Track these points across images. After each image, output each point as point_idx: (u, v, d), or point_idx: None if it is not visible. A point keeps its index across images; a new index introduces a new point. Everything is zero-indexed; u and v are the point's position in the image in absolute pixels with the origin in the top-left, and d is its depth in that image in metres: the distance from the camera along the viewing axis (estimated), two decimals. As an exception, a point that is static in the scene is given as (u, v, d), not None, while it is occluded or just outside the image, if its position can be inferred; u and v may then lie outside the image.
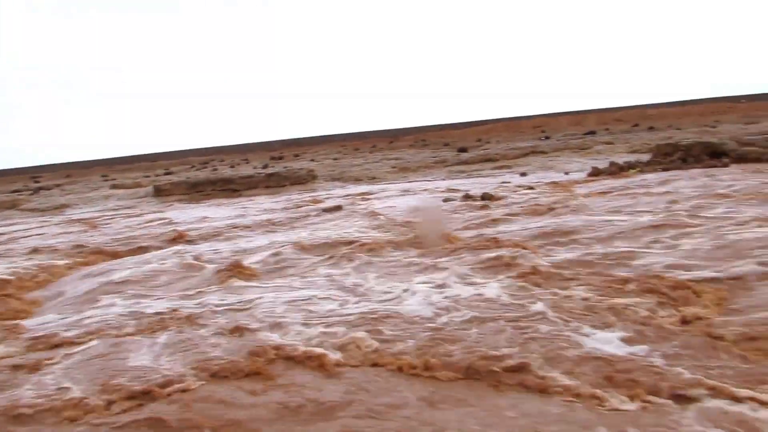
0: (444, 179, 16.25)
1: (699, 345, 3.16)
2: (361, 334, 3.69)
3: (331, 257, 6.21)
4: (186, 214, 12.46)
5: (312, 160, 29.09)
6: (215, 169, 29.04)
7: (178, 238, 8.90)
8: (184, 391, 3.12)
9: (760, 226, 5.54)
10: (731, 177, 9.40)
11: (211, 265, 6.43)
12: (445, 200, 10.59)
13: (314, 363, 3.37)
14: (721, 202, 7.09)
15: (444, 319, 3.88)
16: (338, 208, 10.77)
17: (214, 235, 8.92)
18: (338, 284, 5.11)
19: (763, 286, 3.98)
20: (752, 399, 2.54)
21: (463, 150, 24.47)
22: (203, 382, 3.23)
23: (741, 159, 12.26)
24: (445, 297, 4.37)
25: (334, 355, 3.45)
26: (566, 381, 2.87)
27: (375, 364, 3.32)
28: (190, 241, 8.64)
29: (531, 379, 2.93)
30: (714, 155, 12.64)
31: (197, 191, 18.31)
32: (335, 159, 29.16)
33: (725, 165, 11.83)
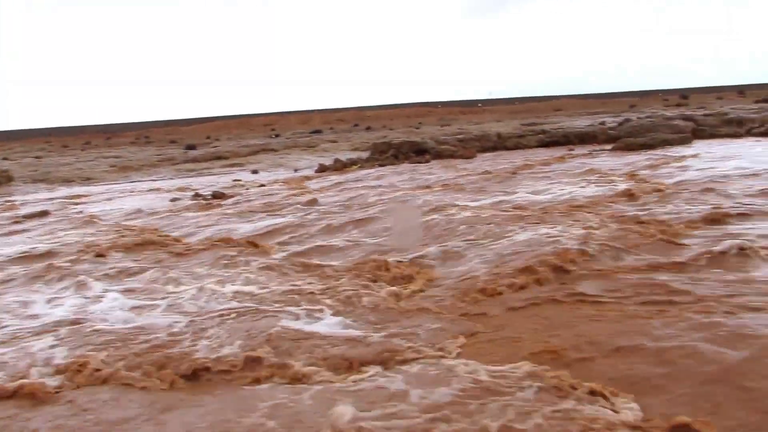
0: (172, 178, 15.36)
1: (407, 314, 3.64)
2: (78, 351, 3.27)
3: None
4: None
5: (5, 159, 24.49)
6: None
7: None
8: None
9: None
10: (430, 170, 11.01)
11: None
12: (173, 200, 10.03)
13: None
14: (421, 192, 8.31)
15: (165, 322, 3.69)
16: (44, 213, 9.31)
17: None
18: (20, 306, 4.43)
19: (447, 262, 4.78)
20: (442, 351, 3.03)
21: (191, 147, 23.48)
22: None
23: (438, 155, 14.43)
24: (174, 300, 4.16)
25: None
26: (302, 367, 3.00)
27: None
28: None
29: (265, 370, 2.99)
30: (419, 152, 14.60)
31: None
32: (37, 158, 25.05)
33: (427, 161, 13.78)
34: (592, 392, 2.35)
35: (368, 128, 31.74)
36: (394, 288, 4.22)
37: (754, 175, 7.94)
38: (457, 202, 7.24)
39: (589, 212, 6.14)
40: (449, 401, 2.40)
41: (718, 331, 2.80)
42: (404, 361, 2.90)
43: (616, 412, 2.23)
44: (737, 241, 4.25)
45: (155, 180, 15.17)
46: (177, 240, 6.54)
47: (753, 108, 22.34)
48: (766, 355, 2.53)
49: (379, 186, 9.70)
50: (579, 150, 14.41)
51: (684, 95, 35.82)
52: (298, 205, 8.27)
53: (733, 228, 5.02)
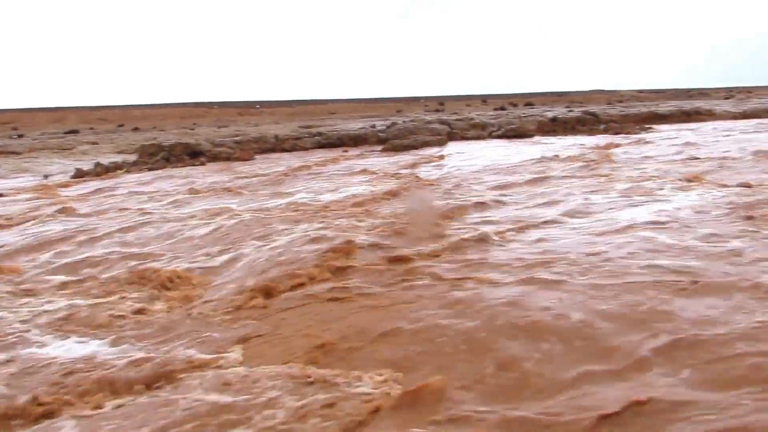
0: None
1: (187, 323, 3.46)
2: None
3: None
4: None
5: None
6: None
7: None
8: None
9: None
10: (204, 174, 10.59)
11: None
12: None
13: None
14: (194, 197, 7.97)
15: None
16: None
17: None
18: None
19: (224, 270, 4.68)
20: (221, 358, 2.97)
21: None
22: None
23: (215, 158, 13.93)
24: None
25: None
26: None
27: None
28: None
29: None
30: (193, 155, 13.91)
31: None
32: None
33: (203, 164, 13.21)
34: (357, 378, 2.52)
35: (136, 129, 29.19)
36: (164, 298, 3.97)
37: (494, 170, 9.30)
38: (231, 206, 7.09)
39: (362, 209, 6.54)
40: (212, 409, 2.36)
41: (462, 307, 3.23)
42: (173, 376, 2.75)
43: (369, 391, 2.43)
44: (484, 229, 4.94)
45: None
46: None
47: (492, 114, 26.21)
48: (496, 320, 3.00)
49: (148, 191, 9.01)
50: (353, 151, 15.23)
51: (441, 102, 40.34)
52: (47, 217, 7.25)
53: (477, 216, 5.81)
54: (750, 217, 4.90)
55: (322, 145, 17.40)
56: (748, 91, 49.91)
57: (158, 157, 13.63)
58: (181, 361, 2.96)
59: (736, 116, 22.38)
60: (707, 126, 18.06)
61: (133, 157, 14.46)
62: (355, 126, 22.74)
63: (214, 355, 3.00)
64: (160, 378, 2.82)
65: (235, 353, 3.03)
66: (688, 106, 24.95)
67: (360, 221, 5.84)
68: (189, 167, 12.74)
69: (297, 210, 6.73)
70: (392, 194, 7.56)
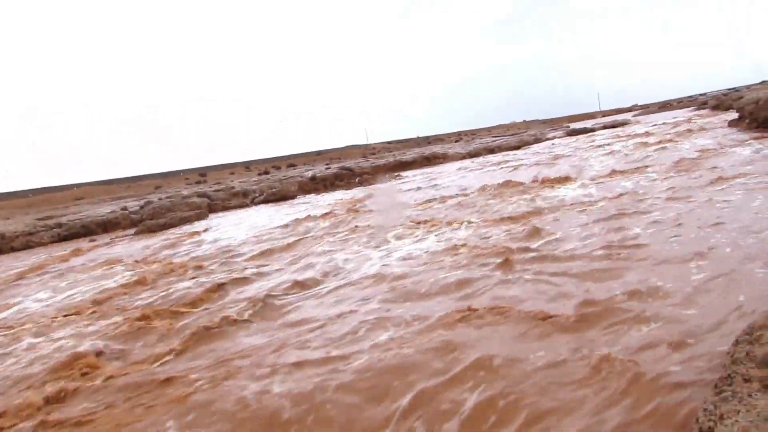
0: None
1: None
2: None
3: None
4: None
5: None
6: None
7: None
8: None
9: None
10: None
11: None
12: None
13: None
14: None
15: None
16: None
17: None
18: None
19: None
20: None
21: None
22: None
23: None
24: None
25: None
26: None
27: None
28: None
29: None
30: None
31: None
32: None
33: None
34: None
35: None
36: None
37: (254, 240, 9.10)
38: None
39: (98, 310, 5.73)
40: None
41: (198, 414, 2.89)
42: None
43: None
44: (228, 312, 4.64)
45: None
46: None
47: (255, 179, 26.15)
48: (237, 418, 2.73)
49: None
50: (101, 239, 13.69)
51: (202, 173, 39.03)
52: None
53: (235, 293, 5.51)
54: (506, 264, 5.49)
55: (64, 238, 15.35)
56: (473, 134, 58.72)
57: None
58: None
59: (464, 156, 26.07)
60: (443, 168, 20.56)
61: None
62: (104, 210, 20.62)
63: None
64: None
65: None
66: (428, 152, 28.18)
67: (88, 325, 5.09)
68: None
69: (14, 324, 5.62)
70: (141, 283, 6.84)
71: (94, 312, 5.76)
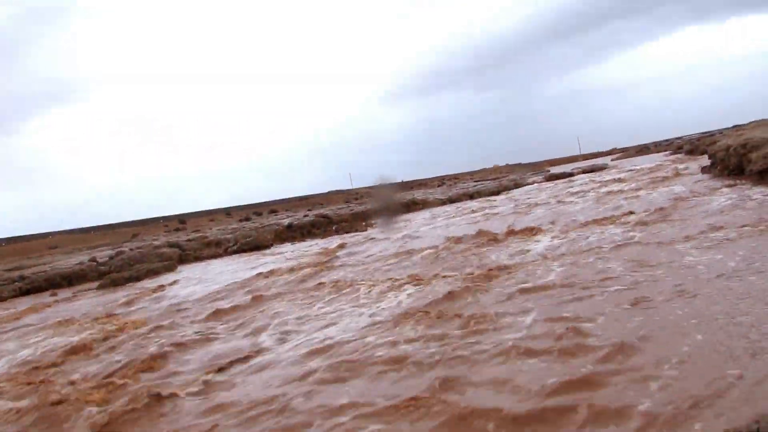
0: None
1: None
2: None
3: None
4: None
5: None
6: None
7: None
8: None
9: None
10: None
11: None
12: None
13: None
14: None
15: None
16: None
17: None
18: None
19: None
20: None
21: None
22: None
23: None
24: None
25: None
26: None
27: None
28: None
29: None
30: None
31: None
32: None
33: None
34: None
35: None
36: None
37: (214, 296, 8.73)
38: None
39: (24, 381, 5.30)
40: None
41: None
42: None
43: None
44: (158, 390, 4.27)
45: None
46: None
47: (235, 227, 25.72)
48: None
49: None
50: (63, 294, 13.19)
51: (182, 220, 38.53)
52: None
53: (172, 366, 5.13)
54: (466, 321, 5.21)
55: (26, 292, 14.80)
56: (456, 178, 59.06)
57: None
58: None
59: (444, 202, 26.05)
60: (422, 214, 20.42)
61: None
62: (73, 261, 20.06)
63: None
64: None
65: None
66: (408, 197, 28.12)
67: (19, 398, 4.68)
68: None
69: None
70: (84, 349, 6.41)
71: (29, 378, 5.33)
